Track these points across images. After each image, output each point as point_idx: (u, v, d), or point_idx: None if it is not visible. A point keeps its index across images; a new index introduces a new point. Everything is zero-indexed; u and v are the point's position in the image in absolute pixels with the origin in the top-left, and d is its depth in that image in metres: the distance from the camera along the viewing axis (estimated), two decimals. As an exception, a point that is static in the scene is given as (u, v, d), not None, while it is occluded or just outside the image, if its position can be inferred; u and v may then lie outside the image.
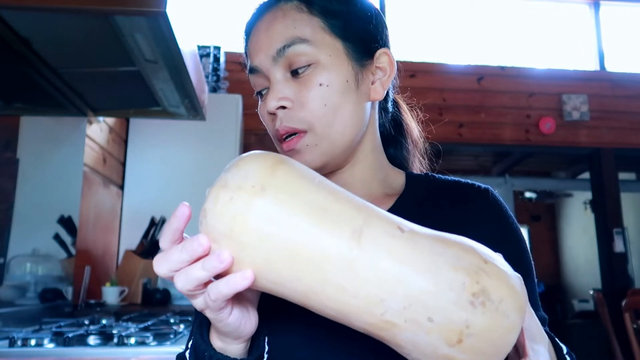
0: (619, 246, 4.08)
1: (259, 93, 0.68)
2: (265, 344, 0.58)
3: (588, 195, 5.75)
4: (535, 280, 0.66)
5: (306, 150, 0.63)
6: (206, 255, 0.44)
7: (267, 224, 0.43)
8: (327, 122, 0.63)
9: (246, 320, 0.51)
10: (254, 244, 0.44)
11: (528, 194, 6.83)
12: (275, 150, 0.49)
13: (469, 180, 0.71)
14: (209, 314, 0.47)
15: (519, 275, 0.46)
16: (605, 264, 4.17)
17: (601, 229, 4.21)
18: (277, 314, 0.61)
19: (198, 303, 0.47)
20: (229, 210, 0.44)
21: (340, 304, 0.44)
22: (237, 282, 0.43)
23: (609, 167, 4.24)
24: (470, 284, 0.42)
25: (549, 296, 6.57)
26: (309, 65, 0.63)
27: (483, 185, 0.70)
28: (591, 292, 5.69)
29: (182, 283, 0.44)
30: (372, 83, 0.67)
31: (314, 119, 0.62)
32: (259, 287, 0.46)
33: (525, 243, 0.67)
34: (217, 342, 0.54)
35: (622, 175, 4.92)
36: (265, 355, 0.57)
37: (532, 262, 0.67)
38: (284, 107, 0.63)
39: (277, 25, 0.64)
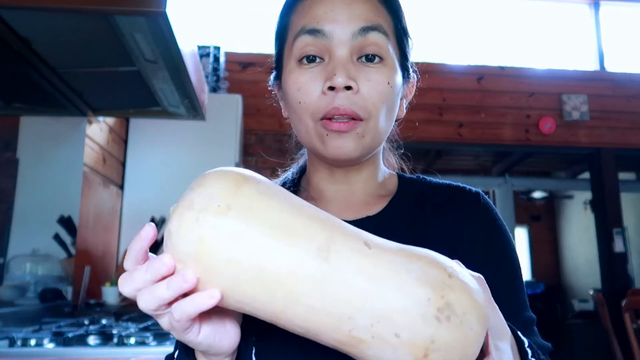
0: (619, 246, 4.08)
1: (306, 60, 0.62)
2: (253, 355, 0.57)
3: (588, 195, 5.75)
4: (523, 282, 0.67)
5: (353, 138, 0.61)
6: (171, 275, 0.43)
7: (233, 245, 0.43)
8: (381, 120, 0.62)
9: (222, 336, 0.49)
10: (221, 265, 0.43)
11: (536, 194, 6.81)
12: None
13: (459, 184, 0.71)
14: (175, 334, 0.46)
15: (481, 276, 0.47)
16: (605, 264, 4.17)
17: (601, 229, 4.21)
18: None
19: (163, 323, 0.46)
20: (194, 232, 0.44)
21: (308, 322, 0.44)
22: (202, 301, 0.42)
23: (609, 167, 4.24)
24: (435, 299, 0.42)
25: (549, 296, 6.57)
26: (379, 59, 0.62)
27: (474, 189, 0.71)
28: (591, 292, 5.69)
29: (145, 302, 0.43)
30: (401, 99, 0.69)
31: (374, 112, 0.61)
32: (226, 306, 0.45)
33: (514, 247, 0.68)
34: (201, 358, 0.52)
35: (622, 175, 4.92)
36: None
37: (520, 266, 0.67)
38: (348, 88, 0.60)
39: (362, 3, 0.62)
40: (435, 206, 0.68)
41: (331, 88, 0.60)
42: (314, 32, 0.61)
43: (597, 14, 4.61)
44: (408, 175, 0.75)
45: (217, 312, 0.48)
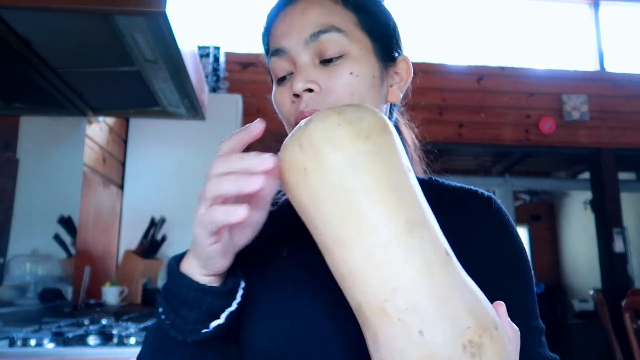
0: (618, 246, 4.08)
1: (279, 80, 0.67)
2: (242, 280, 0.57)
3: (588, 195, 5.75)
4: (535, 289, 0.66)
5: None
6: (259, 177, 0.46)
7: (349, 165, 0.45)
8: None
9: (223, 255, 0.51)
10: (328, 170, 0.46)
11: (523, 196, 6.81)
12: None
13: (472, 187, 0.71)
14: (198, 233, 0.48)
15: (517, 331, 0.48)
16: (605, 264, 4.17)
17: (601, 229, 4.21)
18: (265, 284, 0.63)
19: (202, 217, 0.47)
20: (329, 131, 0.46)
21: (358, 269, 0.45)
22: (235, 214, 0.45)
23: (609, 167, 4.24)
24: (473, 332, 0.43)
25: (549, 296, 6.57)
26: (340, 56, 0.63)
27: (486, 193, 0.70)
28: (591, 292, 5.68)
29: (220, 187, 0.47)
30: (390, 86, 0.69)
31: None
32: (301, 208, 0.48)
33: (526, 253, 0.67)
34: (192, 261, 0.53)
35: (622, 175, 4.92)
36: (240, 291, 0.56)
37: (532, 273, 0.66)
38: (310, 91, 0.62)
39: (314, 10, 0.65)
40: (445, 208, 0.67)
41: (296, 95, 0.63)
42: (277, 52, 0.66)
43: (597, 14, 4.61)
44: (420, 176, 0.75)
45: (236, 232, 0.51)
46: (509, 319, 0.48)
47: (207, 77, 3.00)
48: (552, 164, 5.82)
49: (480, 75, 4.19)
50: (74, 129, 2.14)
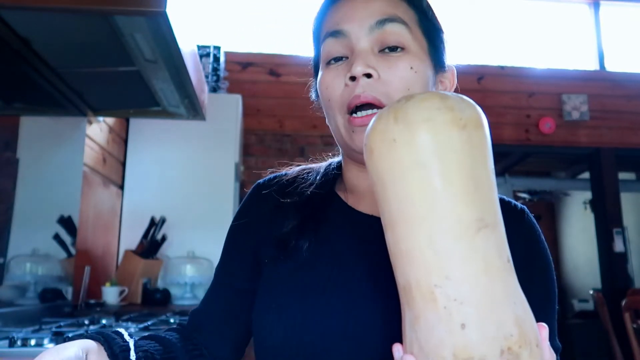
0: (618, 246, 4.07)
1: (329, 62, 0.66)
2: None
3: (588, 195, 5.75)
4: (556, 309, 0.66)
5: None
6: None
7: (439, 148, 0.46)
8: None
9: None
10: (416, 148, 0.46)
11: (523, 196, 6.81)
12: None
13: (505, 197, 0.70)
14: None
15: (554, 356, 0.49)
16: (605, 264, 4.17)
17: (601, 229, 4.21)
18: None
19: None
20: (429, 111, 0.47)
21: (417, 250, 0.46)
22: None
23: (609, 167, 4.23)
24: (515, 341, 0.43)
25: (549, 296, 6.57)
26: (400, 49, 0.63)
27: (519, 205, 0.70)
28: (591, 292, 5.68)
29: None
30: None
31: (397, 97, 0.60)
32: (378, 178, 0.49)
33: (553, 273, 0.67)
34: None
35: (622, 175, 4.92)
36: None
37: (556, 293, 0.67)
38: (369, 76, 0.62)
39: (380, 0, 0.65)
40: None
41: (352, 79, 0.62)
42: (335, 33, 0.65)
43: (597, 14, 4.61)
44: None
45: None
46: (549, 344, 0.49)
47: (207, 77, 3.00)
48: (552, 163, 5.82)
49: (481, 74, 4.19)
50: (74, 129, 2.14)
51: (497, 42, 4.53)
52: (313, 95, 0.76)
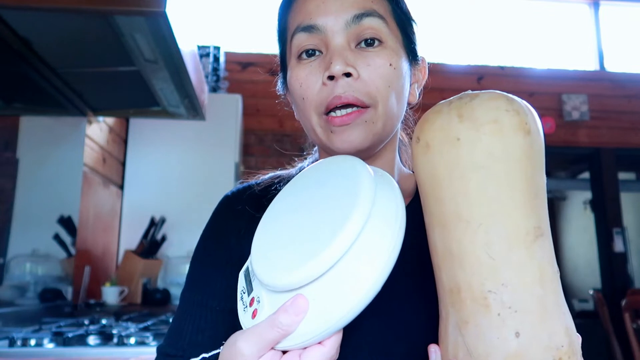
0: (618, 246, 4.07)
1: (302, 54, 0.62)
2: None
3: (588, 195, 5.75)
4: None
5: (363, 127, 0.59)
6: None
7: (505, 152, 0.45)
8: (389, 104, 0.60)
9: None
10: (481, 149, 0.45)
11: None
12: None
13: None
14: None
15: None
16: (605, 264, 4.17)
17: (601, 229, 4.21)
18: None
19: None
20: (497, 112, 0.46)
21: (470, 253, 0.45)
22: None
23: (609, 167, 4.23)
24: (565, 351, 0.44)
25: (549, 296, 6.56)
26: (378, 42, 0.61)
27: None
28: (591, 292, 5.68)
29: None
30: (410, 85, 0.68)
31: (379, 96, 0.60)
32: (432, 175, 0.47)
33: None
34: None
35: (622, 175, 4.92)
36: None
37: None
38: (348, 75, 0.59)
39: None
40: None
41: (330, 78, 0.59)
42: (308, 28, 0.61)
43: (597, 14, 4.61)
44: None
45: None
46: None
47: (207, 77, 3.00)
48: (552, 163, 5.82)
49: (480, 74, 4.19)
50: (73, 129, 2.14)
51: (496, 42, 4.53)
52: (280, 89, 0.73)
